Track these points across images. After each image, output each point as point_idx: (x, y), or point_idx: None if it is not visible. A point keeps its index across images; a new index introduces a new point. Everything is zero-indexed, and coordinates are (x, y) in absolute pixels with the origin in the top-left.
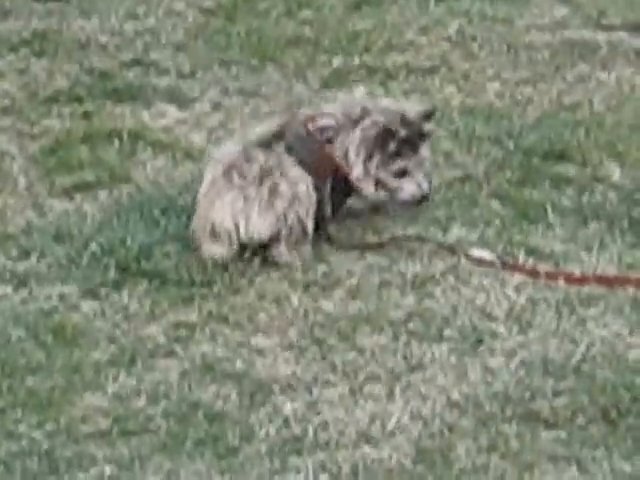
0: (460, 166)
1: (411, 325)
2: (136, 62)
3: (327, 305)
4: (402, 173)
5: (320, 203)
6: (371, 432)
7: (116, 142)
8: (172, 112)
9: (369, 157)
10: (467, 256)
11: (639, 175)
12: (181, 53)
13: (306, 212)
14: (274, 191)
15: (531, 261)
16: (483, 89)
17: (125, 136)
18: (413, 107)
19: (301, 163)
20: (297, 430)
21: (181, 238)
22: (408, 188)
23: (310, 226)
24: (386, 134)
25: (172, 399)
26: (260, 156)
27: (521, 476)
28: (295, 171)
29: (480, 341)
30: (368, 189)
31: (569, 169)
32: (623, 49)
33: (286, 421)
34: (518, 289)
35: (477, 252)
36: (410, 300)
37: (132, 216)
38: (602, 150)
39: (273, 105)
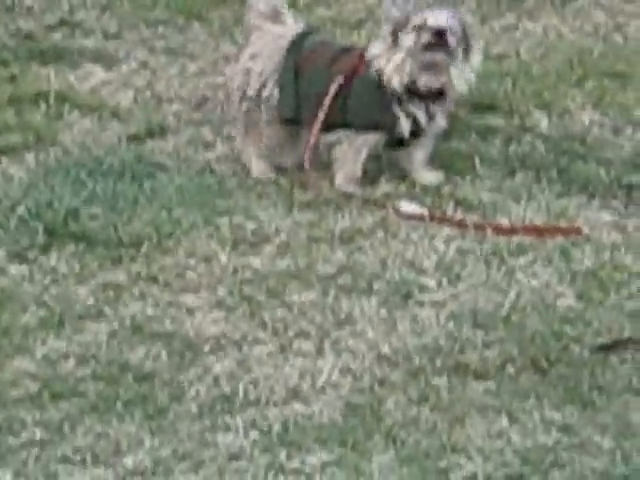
0: None
1: (340, 280)
2: (62, 23)
3: (256, 262)
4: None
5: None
6: (301, 388)
7: (42, 104)
8: (98, 73)
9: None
10: (396, 210)
11: (566, 124)
12: (107, 13)
13: None
14: None
15: (459, 212)
16: None
17: (51, 98)
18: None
19: None
20: (227, 388)
21: (108, 199)
22: None
23: None
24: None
25: (101, 361)
26: None
27: (452, 428)
28: None
29: (409, 294)
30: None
31: (496, 120)
32: None
33: (216, 380)
34: (447, 241)
35: (405, 205)
36: (339, 255)
37: (59, 178)
38: (529, 100)
39: (200, 63)
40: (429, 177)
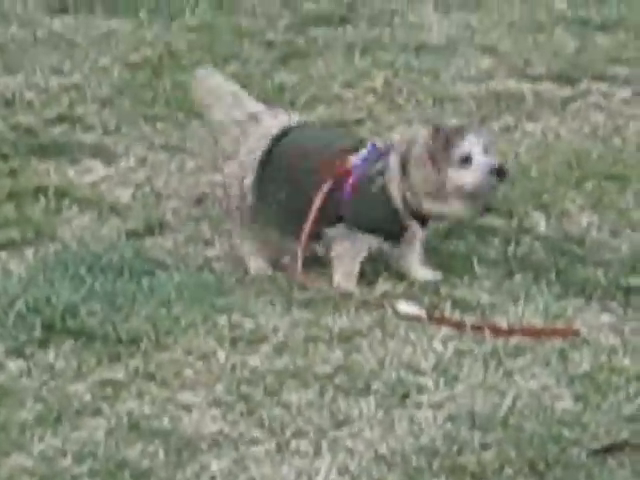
0: None
1: (338, 380)
2: (61, 118)
3: (254, 360)
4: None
5: None
6: None
7: (42, 199)
8: (98, 168)
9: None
10: (394, 310)
11: (565, 226)
12: (106, 109)
13: None
14: None
15: (458, 313)
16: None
17: (51, 193)
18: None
19: None
20: None
21: (107, 296)
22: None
23: None
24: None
25: (98, 458)
26: None
27: None
28: None
29: (407, 395)
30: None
31: (495, 220)
32: (548, 99)
33: (213, 478)
34: (445, 342)
35: (404, 306)
36: (337, 354)
37: (58, 274)
38: (528, 201)
39: (198, 160)
40: (427, 274)
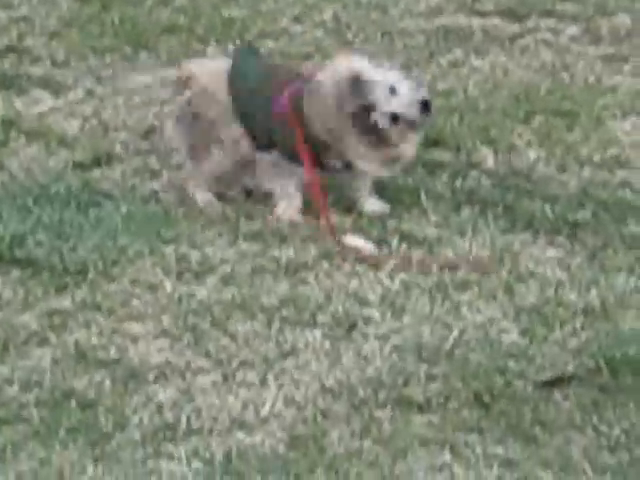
0: None
1: (284, 311)
2: (10, 50)
3: (200, 292)
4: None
5: None
6: (244, 418)
7: None
8: (46, 100)
9: None
10: (341, 243)
11: (512, 161)
12: (55, 41)
13: None
14: None
15: (405, 247)
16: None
17: None
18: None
19: None
20: (170, 417)
21: (54, 226)
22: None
23: None
24: None
25: (45, 387)
26: None
27: (394, 461)
28: None
29: (353, 326)
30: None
31: (443, 155)
32: (497, 35)
33: (159, 408)
34: (391, 274)
35: (351, 239)
36: (284, 286)
37: (5, 204)
38: (476, 136)
39: (147, 92)
40: (375, 206)
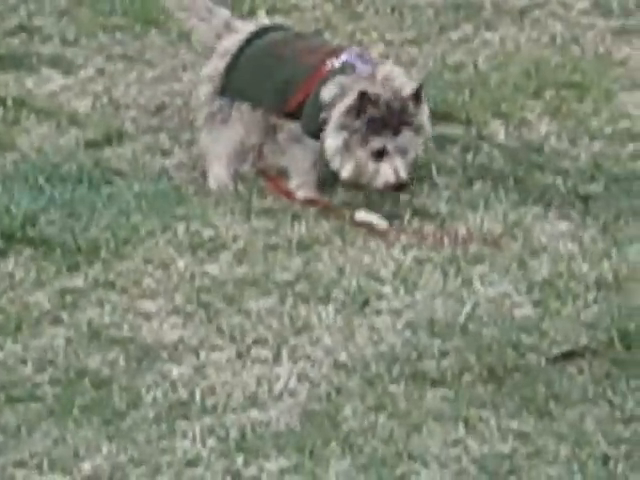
0: None
1: (297, 287)
2: (20, 29)
3: (213, 269)
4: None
5: None
6: (258, 395)
7: (0, 109)
8: (56, 78)
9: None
10: (353, 219)
11: (524, 134)
12: (65, 19)
13: None
14: None
15: (417, 222)
16: (368, 50)
17: (9, 103)
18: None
19: None
20: (184, 394)
21: (66, 205)
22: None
23: None
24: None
25: (59, 366)
26: None
27: (409, 436)
28: None
29: (367, 302)
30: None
31: (454, 129)
32: (507, 8)
33: (173, 386)
34: (404, 250)
35: (363, 214)
36: (296, 262)
37: (17, 184)
38: (487, 110)
39: (157, 70)
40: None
